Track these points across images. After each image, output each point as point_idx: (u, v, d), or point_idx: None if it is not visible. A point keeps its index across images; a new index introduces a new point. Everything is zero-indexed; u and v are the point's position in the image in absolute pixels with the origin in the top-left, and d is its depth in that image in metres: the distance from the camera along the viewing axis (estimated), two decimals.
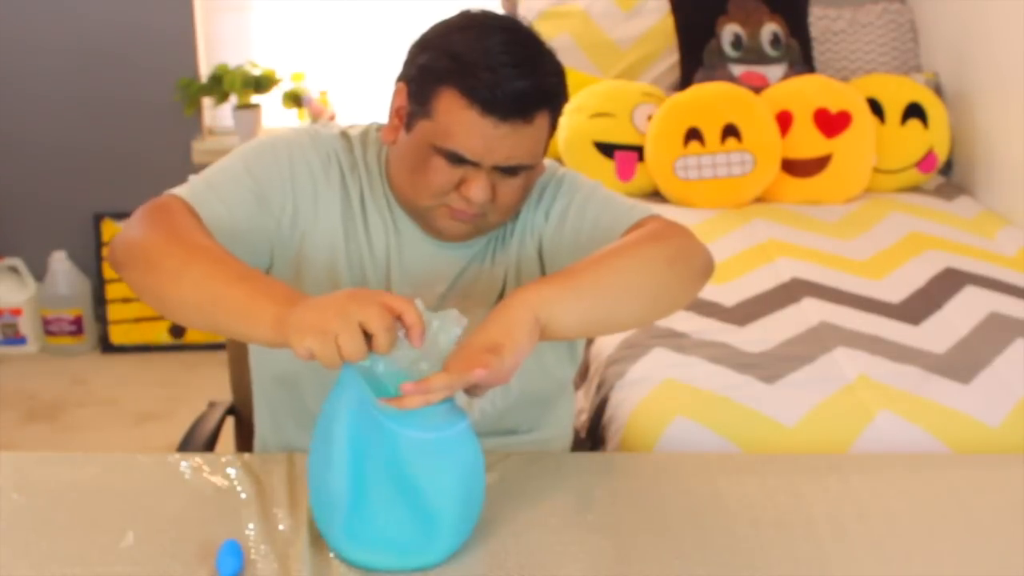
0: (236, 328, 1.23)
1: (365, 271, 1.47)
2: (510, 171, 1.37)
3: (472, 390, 1.20)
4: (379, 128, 1.50)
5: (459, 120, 1.33)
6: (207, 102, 3.77)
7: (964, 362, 2.10)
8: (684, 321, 2.26)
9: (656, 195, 3.14)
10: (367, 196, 1.48)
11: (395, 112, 1.42)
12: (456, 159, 1.35)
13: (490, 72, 1.31)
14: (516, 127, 1.33)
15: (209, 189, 1.41)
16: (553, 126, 1.40)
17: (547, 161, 1.53)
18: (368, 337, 1.14)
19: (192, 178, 1.43)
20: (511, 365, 1.19)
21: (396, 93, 1.42)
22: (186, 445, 1.72)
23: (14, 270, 3.81)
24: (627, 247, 1.35)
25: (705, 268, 1.40)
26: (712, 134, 3.04)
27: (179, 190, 1.41)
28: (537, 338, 1.23)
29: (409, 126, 1.39)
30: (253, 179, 1.42)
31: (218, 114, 3.86)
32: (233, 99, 3.66)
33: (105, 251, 3.78)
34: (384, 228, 1.47)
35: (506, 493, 1.35)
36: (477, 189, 1.36)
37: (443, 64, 1.34)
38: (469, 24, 1.37)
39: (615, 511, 1.34)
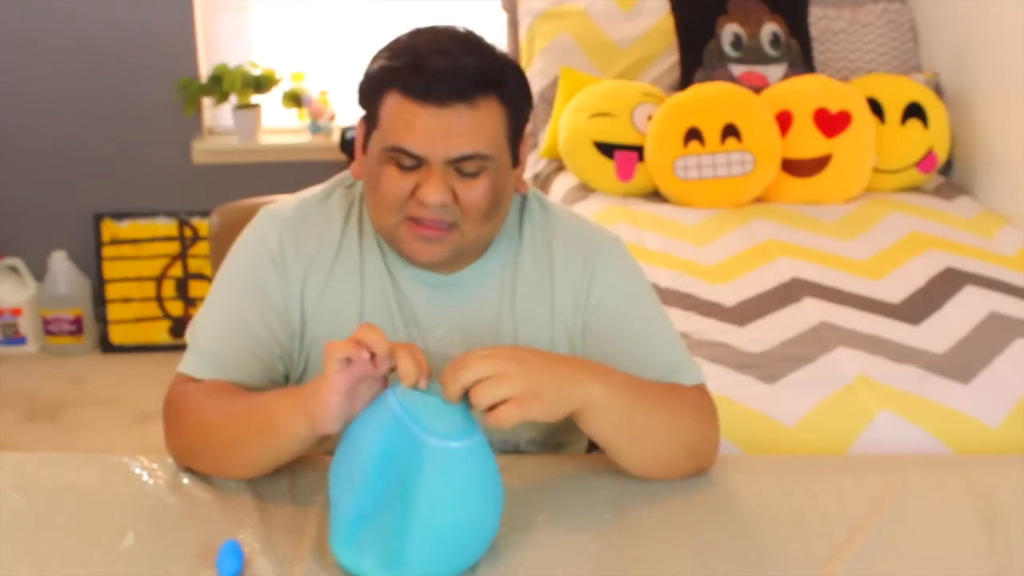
0: (288, 453, 1.31)
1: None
2: (466, 169, 1.32)
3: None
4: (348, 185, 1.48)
5: (401, 115, 1.30)
6: (207, 102, 3.77)
7: (964, 362, 2.10)
8: (684, 321, 2.26)
9: (656, 195, 3.14)
10: (348, 249, 1.44)
11: (358, 146, 1.40)
12: (404, 156, 1.31)
13: (426, 60, 1.29)
14: (458, 112, 1.29)
15: (214, 358, 1.40)
16: (511, 120, 1.35)
17: (581, 231, 1.47)
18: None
19: (196, 336, 1.42)
20: (528, 417, 1.20)
21: (357, 130, 1.40)
22: None
23: (14, 270, 3.81)
24: (684, 411, 1.38)
25: (708, 465, 1.43)
26: (712, 134, 3.04)
27: (189, 367, 1.41)
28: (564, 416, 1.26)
29: (366, 147, 1.37)
30: (262, 310, 1.41)
31: (218, 114, 3.86)
32: (233, 99, 3.66)
33: (106, 251, 3.78)
34: (378, 276, 1.43)
35: (523, 493, 1.35)
36: (429, 189, 1.30)
37: (382, 66, 1.33)
38: (410, 30, 1.36)
39: (633, 511, 1.34)
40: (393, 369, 1.21)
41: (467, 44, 1.33)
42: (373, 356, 1.20)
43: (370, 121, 1.36)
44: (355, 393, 1.21)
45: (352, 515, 1.18)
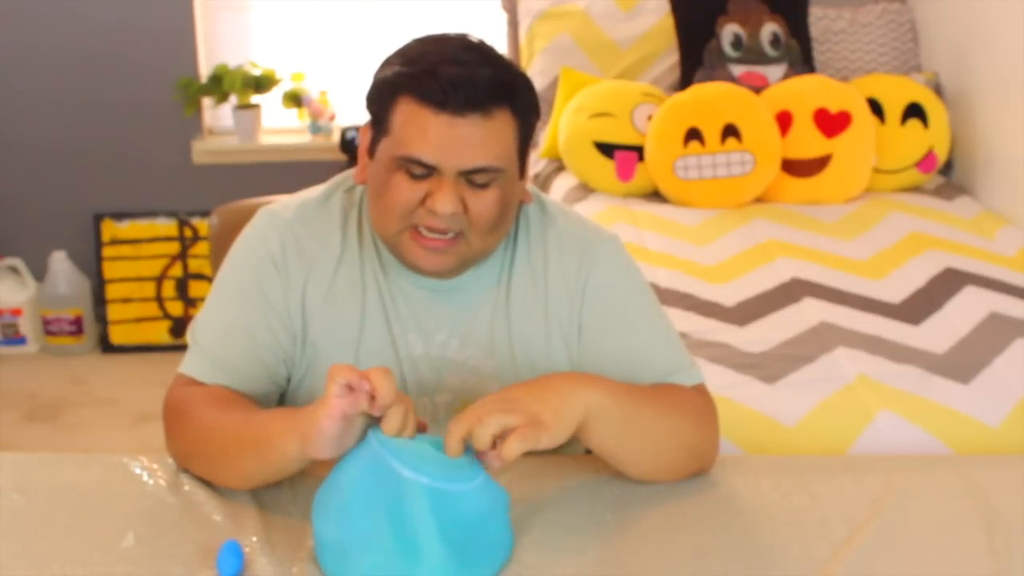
0: (281, 472, 1.30)
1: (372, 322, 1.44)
2: (477, 180, 1.31)
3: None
4: (348, 189, 1.47)
5: (414, 123, 1.29)
6: (207, 102, 3.78)
7: (964, 362, 2.10)
8: (684, 321, 2.26)
9: (656, 195, 3.14)
10: (349, 255, 1.43)
11: (362, 152, 1.39)
12: (416, 165, 1.30)
13: (442, 68, 1.28)
14: (473, 123, 1.28)
15: (216, 359, 1.40)
16: (521, 132, 1.35)
17: (576, 230, 1.46)
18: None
19: (197, 337, 1.42)
20: (535, 446, 1.20)
21: (361, 134, 1.40)
22: None
23: (14, 270, 3.81)
24: (682, 413, 1.37)
25: (708, 466, 1.42)
26: (712, 134, 3.04)
27: (190, 368, 1.41)
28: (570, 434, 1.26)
29: (372, 152, 1.36)
30: (263, 314, 1.41)
31: (218, 114, 3.86)
32: (233, 99, 3.66)
33: (106, 251, 3.78)
34: (376, 281, 1.43)
35: (523, 493, 1.35)
36: (441, 198, 1.29)
37: (396, 72, 1.31)
38: (421, 38, 1.35)
39: (633, 511, 1.34)
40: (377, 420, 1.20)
41: (481, 54, 1.32)
42: (373, 398, 1.17)
43: (378, 127, 1.34)
44: (351, 423, 1.19)
45: (326, 541, 1.19)
